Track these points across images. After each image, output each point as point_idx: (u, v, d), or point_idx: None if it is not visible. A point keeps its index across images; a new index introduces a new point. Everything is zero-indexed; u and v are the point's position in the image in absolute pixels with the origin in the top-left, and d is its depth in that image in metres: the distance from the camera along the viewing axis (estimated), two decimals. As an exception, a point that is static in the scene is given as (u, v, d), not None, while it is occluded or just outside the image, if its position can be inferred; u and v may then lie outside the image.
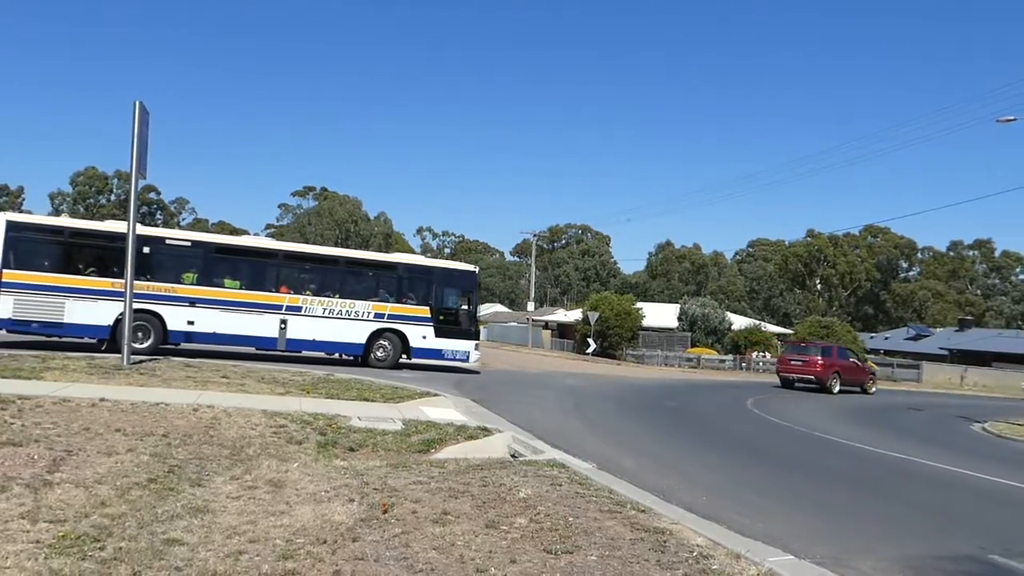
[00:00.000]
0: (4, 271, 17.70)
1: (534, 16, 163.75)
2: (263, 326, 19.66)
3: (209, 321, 19.14)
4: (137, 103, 15.12)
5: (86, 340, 18.46)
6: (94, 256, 18.71)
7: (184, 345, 19.36)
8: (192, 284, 19.25)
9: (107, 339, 18.17)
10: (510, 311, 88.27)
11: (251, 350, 20.11)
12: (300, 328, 19.99)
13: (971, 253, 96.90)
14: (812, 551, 6.58)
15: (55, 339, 18.54)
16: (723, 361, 45.58)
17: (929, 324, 77.78)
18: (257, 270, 20.47)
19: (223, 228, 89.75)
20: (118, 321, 18.05)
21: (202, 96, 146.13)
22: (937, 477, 12.11)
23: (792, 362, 31.02)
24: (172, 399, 10.94)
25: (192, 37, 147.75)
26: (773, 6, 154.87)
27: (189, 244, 20.30)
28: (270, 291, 20.03)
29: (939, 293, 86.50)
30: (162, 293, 18.80)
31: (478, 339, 22.85)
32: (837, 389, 29.92)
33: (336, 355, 21.49)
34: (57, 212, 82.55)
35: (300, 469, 7.77)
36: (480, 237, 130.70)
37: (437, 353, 21.54)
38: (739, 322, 53.44)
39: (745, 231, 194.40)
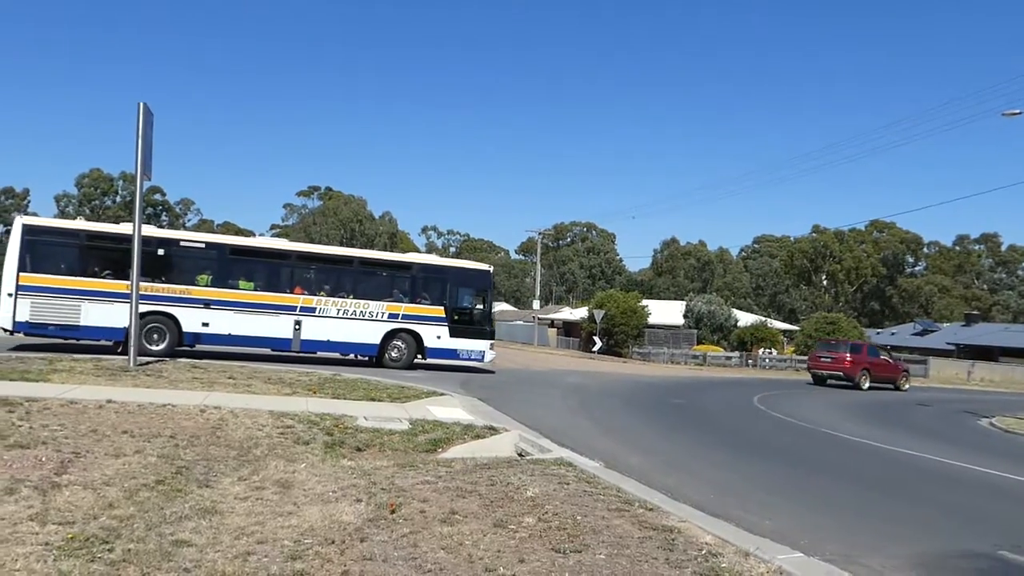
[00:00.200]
0: (21, 274, 17.84)
1: (537, 15, 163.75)
2: (277, 327, 19.69)
3: (224, 323, 19.20)
4: (141, 104, 15.15)
5: (103, 342, 18.53)
6: (110, 258, 18.72)
7: (199, 347, 19.44)
8: (207, 286, 19.32)
9: (123, 341, 18.22)
10: (516, 309, 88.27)
11: (266, 351, 20.18)
12: (314, 329, 20.00)
13: (977, 247, 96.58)
14: (821, 548, 6.55)
15: (72, 341, 18.62)
16: (729, 358, 45.51)
17: (935, 319, 77.49)
18: (271, 271, 20.52)
19: (228, 229, 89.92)
20: None
21: (206, 97, 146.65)
22: (945, 473, 12.07)
23: (822, 359, 32.03)
24: (179, 400, 10.96)
25: (196, 38, 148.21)
26: (778, 1, 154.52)
27: (203, 246, 20.41)
28: (284, 292, 20.06)
29: (945, 288, 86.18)
30: (177, 295, 18.87)
31: (493, 338, 22.69)
32: (867, 385, 30.74)
33: (351, 356, 21.46)
34: (63, 214, 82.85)
35: (307, 469, 7.77)
36: (485, 236, 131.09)
37: (452, 353, 21.49)
38: (745, 319, 53.36)
39: (750, 227, 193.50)
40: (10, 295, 17.70)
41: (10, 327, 17.83)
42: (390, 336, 20.88)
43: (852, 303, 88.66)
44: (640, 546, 5.82)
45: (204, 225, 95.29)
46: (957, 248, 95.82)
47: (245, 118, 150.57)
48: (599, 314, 45.99)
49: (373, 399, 13.33)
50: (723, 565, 5.52)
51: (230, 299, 19.36)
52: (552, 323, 66.82)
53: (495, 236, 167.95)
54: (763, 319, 55.03)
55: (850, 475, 11.23)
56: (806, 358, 45.48)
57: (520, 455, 9.82)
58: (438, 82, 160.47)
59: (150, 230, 21.41)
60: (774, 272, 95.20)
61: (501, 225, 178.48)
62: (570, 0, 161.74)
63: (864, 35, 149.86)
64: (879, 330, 76.21)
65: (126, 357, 15.24)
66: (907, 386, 33.18)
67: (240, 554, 5.06)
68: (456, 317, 21.53)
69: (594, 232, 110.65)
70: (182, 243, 20.30)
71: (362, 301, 20.63)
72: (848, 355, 31.10)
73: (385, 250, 63.58)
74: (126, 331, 18.08)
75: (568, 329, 62.41)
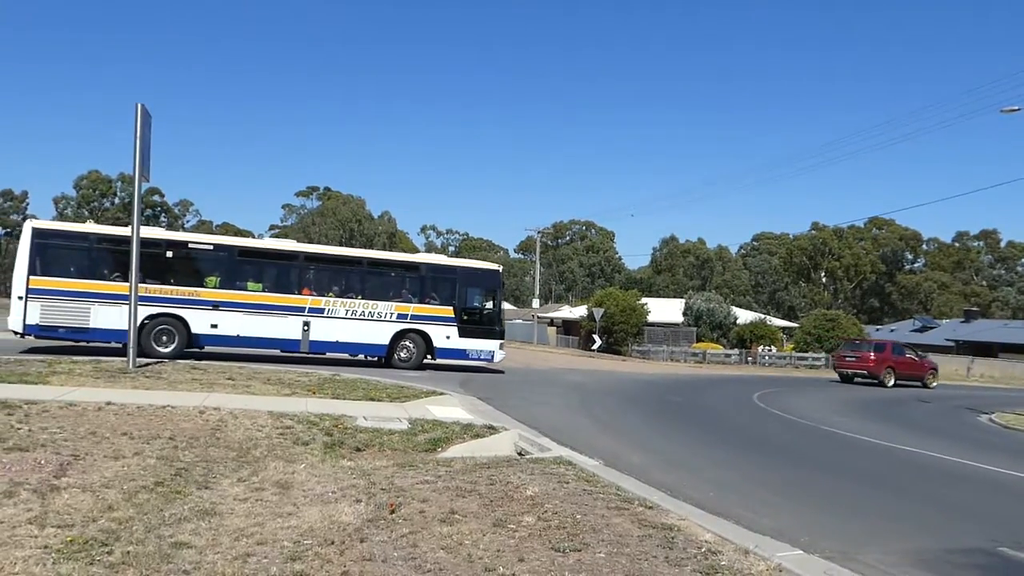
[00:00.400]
0: (31, 277, 17.92)
1: (534, 13, 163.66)
2: (286, 328, 19.72)
3: (233, 324, 19.25)
4: (139, 106, 15.15)
5: (112, 344, 18.58)
6: (119, 261, 18.62)
7: (208, 348, 19.50)
8: (215, 287, 19.37)
9: None
10: (515, 308, 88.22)
11: (275, 352, 20.24)
12: (323, 330, 20.03)
13: (976, 244, 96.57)
14: (820, 545, 6.56)
15: (83, 344, 18.65)
16: (729, 356, 45.53)
17: (935, 315, 77.49)
18: (279, 272, 20.57)
19: (227, 230, 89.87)
20: (143, 325, 18.26)
21: (204, 98, 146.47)
22: (945, 469, 12.08)
23: (847, 358, 33.19)
24: (178, 402, 10.95)
25: (193, 39, 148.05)
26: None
27: (212, 248, 20.47)
28: (293, 293, 20.09)
29: (944, 284, 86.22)
30: (186, 297, 18.95)
31: (503, 338, 22.59)
32: (892, 383, 31.67)
33: (361, 356, 21.43)
34: (62, 216, 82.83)
35: (307, 470, 7.77)
36: (484, 235, 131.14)
37: (461, 353, 21.47)
38: (744, 316, 53.40)
39: (749, 225, 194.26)
40: (20, 298, 17.81)
41: (21, 330, 17.91)
42: (399, 336, 20.87)
43: (851, 300, 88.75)
44: (640, 544, 5.83)
45: (203, 226, 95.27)
46: (956, 244, 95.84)
47: (243, 119, 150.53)
48: (598, 312, 46.01)
49: (372, 399, 13.33)
50: (723, 563, 5.53)
51: (239, 300, 19.41)
52: (551, 322, 66.86)
53: (494, 235, 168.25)
54: (762, 316, 55.06)
55: (849, 472, 11.24)
56: (806, 355, 45.89)
57: (520, 454, 9.82)
58: (436, 81, 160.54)
59: (159, 232, 21.56)
60: (773, 269, 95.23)
61: (500, 224, 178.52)
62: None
63: (863, 32, 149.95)
64: (878, 327, 76.14)
65: (124, 359, 15.23)
66: (934, 383, 33.78)
67: (240, 555, 5.06)
68: (465, 317, 21.49)
69: (593, 230, 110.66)
70: (190, 245, 20.37)
71: (370, 302, 20.64)
72: (872, 354, 32.11)
73: (384, 250, 63.54)
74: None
75: (568, 327, 62.44)
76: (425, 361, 21.22)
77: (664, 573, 5.26)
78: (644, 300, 51.10)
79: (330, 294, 20.43)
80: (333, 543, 5.42)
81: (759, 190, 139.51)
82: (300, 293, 20.14)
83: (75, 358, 16.13)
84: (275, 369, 16.87)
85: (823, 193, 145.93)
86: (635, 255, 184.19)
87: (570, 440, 11.17)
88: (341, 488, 7.04)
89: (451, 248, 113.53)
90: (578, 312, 58.26)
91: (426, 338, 21.06)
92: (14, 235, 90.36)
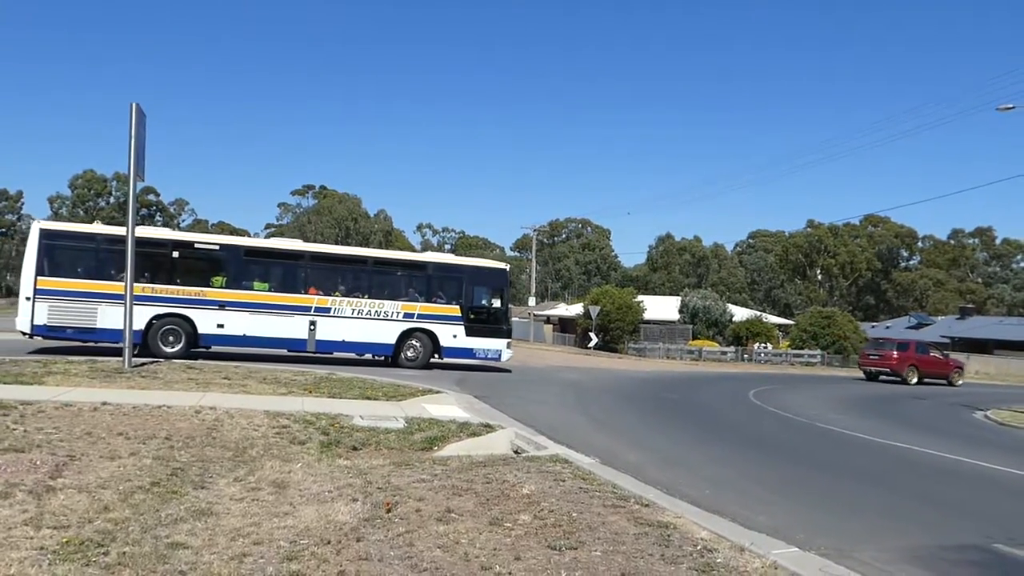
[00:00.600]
0: (39, 278, 17.96)
1: (529, 12, 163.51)
2: (293, 328, 19.73)
3: (239, 324, 19.26)
4: (134, 105, 15.09)
5: (120, 345, 18.53)
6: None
7: (215, 348, 19.51)
8: (222, 287, 19.38)
9: (139, 343, 18.32)
10: (512, 306, 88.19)
11: (279, 352, 20.25)
12: (329, 329, 20.02)
13: (972, 241, 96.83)
14: (816, 543, 6.57)
15: (90, 344, 18.64)
16: (725, 353, 45.62)
17: (930, 313, 77.62)
18: (286, 272, 20.59)
19: (223, 228, 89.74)
20: (150, 325, 18.38)
21: (199, 97, 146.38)
22: (940, 466, 12.11)
23: (871, 356, 34.45)
24: (174, 401, 10.93)
25: (187, 38, 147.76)
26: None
27: (218, 248, 20.50)
28: (299, 293, 20.11)
29: (940, 282, 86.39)
30: (192, 297, 18.98)
31: (510, 337, 22.57)
32: (915, 381, 32.65)
33: (368, 356, 21.41)
34: (57, 216, 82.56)
35: (303, 469, 7.77)
36: (480, 233, 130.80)
37: (468, 352, 21.46)
38: (740, 314, 53.48)
39: (745, 222, 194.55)
40: (28, 299, 17.88)
41: (29, 330, 17.96)
42: (406, 336, 20.87)
43: (847, 297, 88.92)
44: (636, 542, 5.84)
45: (198, 225, 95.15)
46: (952, 242, 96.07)
47: (239, 118, 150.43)
48: (594, 310, 46.03)
49: (369, 398, 13.32)
50: (718, 560, 5.54)
51: (245, 300, 19.42)
52: (548, 319, 66.89)
53: (490, 233, 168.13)
54: (758, 314, 55.15)
55: (845, 469, 11.26)
56: (802, 352, 46.00)
57: (516, 452, 9.83)
58: (431, 80, 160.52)
59: (165, 232, 21.66)
60: (769, 267, 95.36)
61: (496, 222, 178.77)
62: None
63: (860, 30, 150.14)
64: (874, 324, 76.29)
65: (120, 359, 15.19)
66: (960, 382, 34.48)
67: (236, 555, 5.06)
68: (472, 316, 21.46)
69: (589, 228, 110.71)
70: (197, 245, 20.43)
71: (377, 301, 20.64)
72: (894, 352, 33.15)
73: (380, 248, 63.49)
74: (142, 333, 18.32)
75: (564, 325, 62.48)
76: (432, 360, 21.22)
77: (660, 571, 5.27)
78: (640, 298, 51.16)
79: (336, 293, 20.43)
80: (329, 542, 5.43)
81: (755, 188, 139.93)
82: (306, 293, 20.14)
83: (70, 358, 16.09)
84: (271, 368, 16.85)
85: (819, 191, 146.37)
86: (631, 253, 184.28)
87: (566, 438, 11.18)
88: (337, 487, 7.04)
89: (447, 246, 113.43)
90: (574, 310, 58.29)
91: (433, 337, 21.04)
92: (8, 235, 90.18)
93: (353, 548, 5.33)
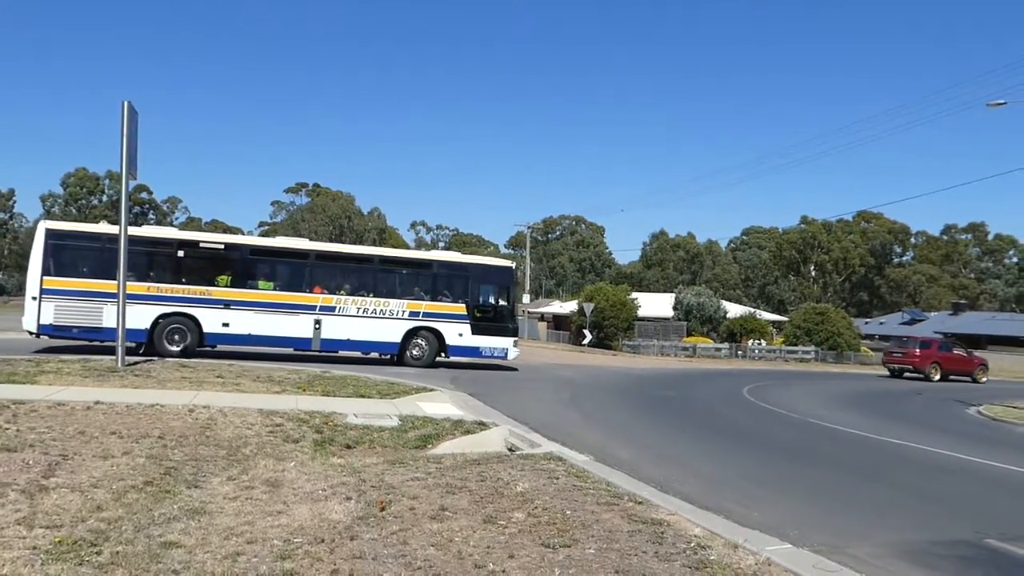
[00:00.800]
0: (44, 278, 17.99)
1: (523, 9, 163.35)
2: (298, 327, 19.74)
3: (244, 323, 19.27)
4: (125, 103, 15.06)
5: (127, 344, 18.48)
6: (131, 261, 18.65)
7: (220, 347, 19.51)
8: (227, 286, 19.39)
9: (144, 342, 18.37)
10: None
11: (288, 351, 20.26)
12: (335, 328, 20.03)
13: (964, 237, 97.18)
14: (809, 539, 6.60)
15: (96, 343, 18.60)
16: (719, 350, 45.66)
17: (923, 308, 78.02)
18: (291, 271, 20.61)
19: (216, 227, 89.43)
20: (155, 324, 18.41)
21: (192, 95, 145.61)
22: (933, 462, 12.16)
23: (894, 354, 35.61)
24: (167, 400, 10.92)
25: (180, 36, 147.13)
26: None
27: (223, 247, 20.49)
28: (304, 291, 20.11)
29: (933, 277, 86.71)
30: (197, 296, 19.00)
31: (517, 335, 22.57)
32: (937, 378, 33.58)
33: (373, 354, 21.37)
34: (49, 214, 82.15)
35: (297, 468, 7.76)
36: (474, 230, 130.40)
37: (474, 351, 21.46)
38: (734, 310, 53.54)
39: (739, 219, 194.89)
40: (34, 299, 17.92)
41: (35, 330, 17.99)
42: (411, 334, 20.86)
43: (840, 293, 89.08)
44: (629, 539, 5.85)
45: (192, 223, 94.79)
46: (944, 238, 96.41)
47: (232, 115, 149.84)
48: (588, 307, 46.02)
49: (363, 396, 13.32)
50: (712, 557, 5.56)
51: (250, 299, 19.43)
52: (542, 317, 66.85)
53: (484, 231, 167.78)
54: (752, 310, 55.25)
55: (838, 465, 11.30)
56: (796, 349, 46.10)
57: (510, 450, 9.84)
58: (425, 78, 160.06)
59: (171, 232, 21.76)
60: (763, 263, 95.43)
61: (490, 220, 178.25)
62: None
63: (852, 26, 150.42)
64: (867, 320, 76.62)
65: (114, 357, 15.15)
66: (984, 379, 35.02)
67: (229, 555, 5.05)
68: (478, 314, 21.44)
69: (583, 225, 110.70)
70: (202, 244, 20.40)
71: (382, 299, 20.64)
72: (917, 350, 34.32)
73: (374, 246, 63.42)
74: (147, 332, 18.34)
75: (558, 323, 62.45)
76: (439, 359, 21.19)
77: (654, 568, 5.28)
78: (634, 295, 51.13)
79: (342, 292, 20.42)
80: (323, 541, 5.42)
81: (749, 184, 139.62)
82: (311, 291, 20.13)
83: (63, 357, 16.05)
84: (265, 367, 16.83)
85: (812, 187, 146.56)
86: (625, 250, 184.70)
87: (560, 435, 11.18)
88: (331, 486, 7.03)
89: (441, 244, 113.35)
90: (568, 307, 58.28)
91: (439, 336, 21.04)
92: (0, 233, 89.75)
93: (347, 547, 5.33)
